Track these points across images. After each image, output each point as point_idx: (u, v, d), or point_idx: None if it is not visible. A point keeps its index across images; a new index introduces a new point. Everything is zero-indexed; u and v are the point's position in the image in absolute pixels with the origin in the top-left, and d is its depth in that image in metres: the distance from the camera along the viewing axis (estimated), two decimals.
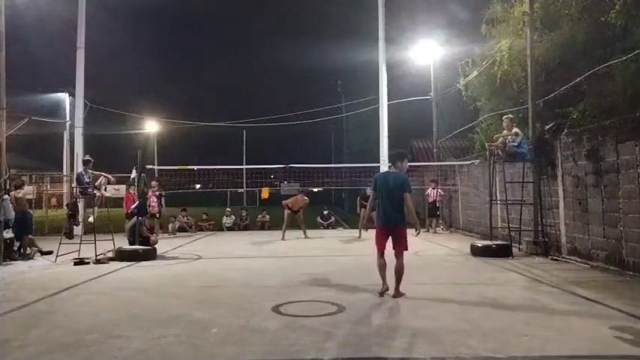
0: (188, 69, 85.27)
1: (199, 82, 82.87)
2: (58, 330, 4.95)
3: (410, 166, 19.72)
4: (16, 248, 10.22)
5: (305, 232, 14.64)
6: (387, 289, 6.20)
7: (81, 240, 10.06)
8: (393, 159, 6.78)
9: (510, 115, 10.90)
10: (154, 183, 14.82)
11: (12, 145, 15.40)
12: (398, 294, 6.14)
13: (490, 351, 4.18)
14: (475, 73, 14.15)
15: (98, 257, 9.55)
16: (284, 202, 14.63)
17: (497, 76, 12.39)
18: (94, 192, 10.53)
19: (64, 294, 6.77)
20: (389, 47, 18.34)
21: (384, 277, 6.27)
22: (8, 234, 9.86)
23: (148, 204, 12.80)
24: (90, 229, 11.46)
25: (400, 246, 6.23)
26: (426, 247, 12.13)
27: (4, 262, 9.45)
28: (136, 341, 4.55)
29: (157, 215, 14.66)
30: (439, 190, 16.08)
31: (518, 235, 10.56)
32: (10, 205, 9.81)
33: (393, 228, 6.22)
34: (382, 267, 6.32)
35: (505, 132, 10.42)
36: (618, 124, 8.00)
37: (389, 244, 6.33)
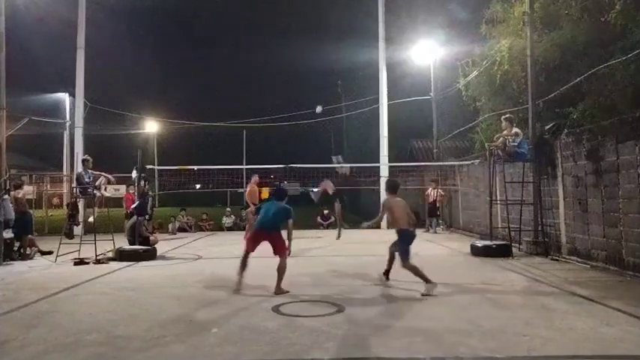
0: (188, 69, 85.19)
1: (200, 82, 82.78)
2: (58, 330, 4.96)
3: (410, 166, 19.95)
4: (16, 248, 10.22)
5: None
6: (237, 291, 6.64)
7: (81, 240, 10.07)
8: (280, 195, 7.34)
9: (509, 116, 10.88)
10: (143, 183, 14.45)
11: (12, 145, 15.40)
12: (278, 290, 6.62)
13: (490, 351, 4.19)
14: (475, 73, 14.13)
15: (98, 257, 9.56)
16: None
17: (497, 76, 12.37)
18: (94, 192, 10.54)
19: (64, 294, 6.77)
20: (389, 47, 18.38)
21: (241, 275, 6.76)
22: (8, 234, 9.86)
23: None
24: (90, 229, 11.46)
25: (280, 251, 6.82)
26: (426, 247, 12.13)
27: (4, 262, 9.45)
28: (136, 341, 4.56)
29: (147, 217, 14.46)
30: (439, 191, 16.08)
31: (518, 235, 10.56)
32: (10, 205, 9.82)
33: (269, 233, 6.82)
34: (243, 264, 6.82)
35: (505, 132, 10.42)
36: (618, 124, 8.00)
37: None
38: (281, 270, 6.71)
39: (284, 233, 6.94)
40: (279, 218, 6.93)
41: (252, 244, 6.90)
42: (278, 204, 7.12)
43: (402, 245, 6.90)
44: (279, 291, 6.59)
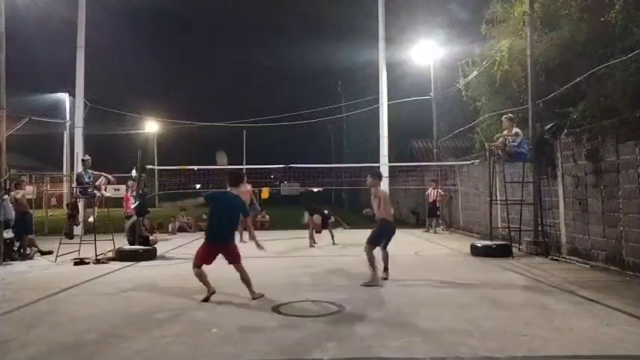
0: (189, 69, 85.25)
1: (200, 82, 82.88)
2: (58, 330, 4.96)
3: (410, 166, 19.92)
4: (16, 248, 10.22)
5: None
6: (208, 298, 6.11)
7: (81, 240, 10.07)
8: (234, 181, 6.64)
9: (510, 115, 10.90)
10: (130, 182, 14.09)
11: (12, 145, 15.41)
12: (254, 295, 6.20)
13: (490, 351, 4.19)
14: (475, 73, 14.13)
15: (98, 257, 9.56)
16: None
17: (497, 76, 12.37)
18: (94, 192, 10.54)
19: (64, 294, 6.77)
20: (389, 47, 18.36)
21: (206, 283, 6.20)
22: (8, 234, 9.86)
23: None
24: (90, 229, 11.46)
25: (235, 260, 6.31)
26: (426, 247, 12.14)
27: (4, 262, 9.45)
28: (136, 341, 4.55)
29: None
30: (439, 191, 16.08)
31: (518, 235, 10.56)
32: (10, 205, 9.82)
33: (223, 245, 6.31)
34: (201, 275, 6.22)
35: (505, 132, 10.43)
36: (618, 124, 8.01)
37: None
38: (246, 279, 6.26)
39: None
40: (234, 221, 6.42)
41: (208, 258, 6.28)
42: (231, 198, 6.40)
43: (378, 232, 7.29)
44: (254, 296, 6.17)
